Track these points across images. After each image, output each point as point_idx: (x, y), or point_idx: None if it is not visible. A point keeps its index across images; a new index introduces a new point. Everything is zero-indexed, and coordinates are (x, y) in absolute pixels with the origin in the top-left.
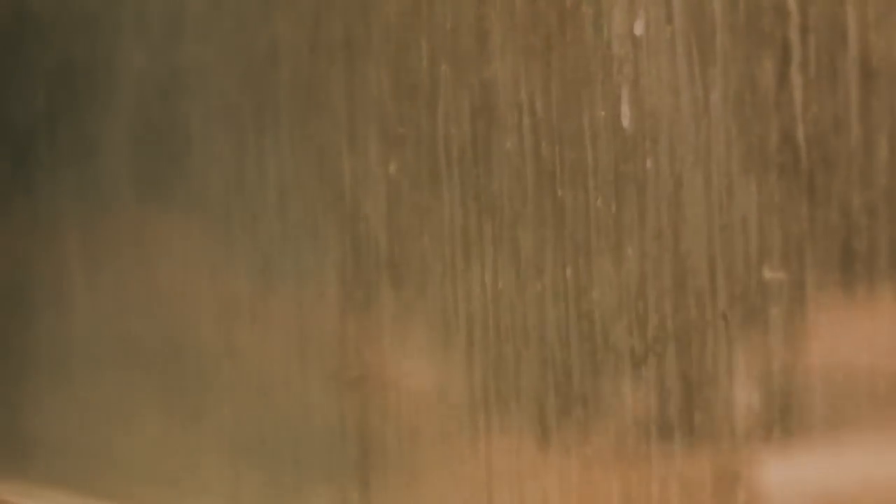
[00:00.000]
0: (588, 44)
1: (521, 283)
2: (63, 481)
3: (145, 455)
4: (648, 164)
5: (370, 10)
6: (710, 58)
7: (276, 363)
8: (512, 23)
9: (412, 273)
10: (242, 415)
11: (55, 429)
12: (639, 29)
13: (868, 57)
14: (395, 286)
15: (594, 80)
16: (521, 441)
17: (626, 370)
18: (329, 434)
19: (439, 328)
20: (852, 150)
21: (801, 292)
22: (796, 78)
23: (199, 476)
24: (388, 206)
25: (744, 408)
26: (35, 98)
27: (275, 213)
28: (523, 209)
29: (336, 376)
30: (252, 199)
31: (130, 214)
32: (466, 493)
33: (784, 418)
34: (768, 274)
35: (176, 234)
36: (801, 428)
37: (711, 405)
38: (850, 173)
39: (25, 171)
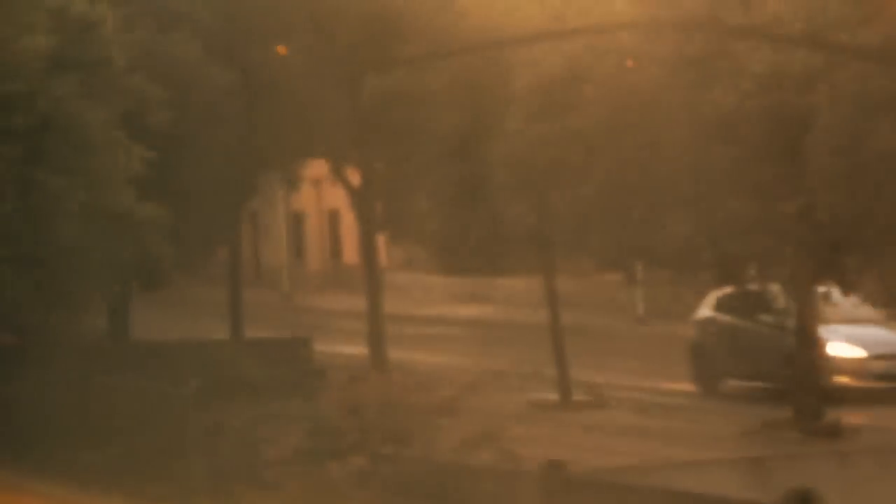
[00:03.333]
0: (588, 31)
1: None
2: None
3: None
4: (643, 152)
5: None
6: (709, 52)
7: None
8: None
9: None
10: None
11: None
12: (639, 18)
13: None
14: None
15: (591, 68)
16: None
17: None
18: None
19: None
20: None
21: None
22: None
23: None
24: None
25: None
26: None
27: None
28: (509, 192)
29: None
30: None
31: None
32: None
33: None
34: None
35: None
36: None
37: None
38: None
39: None
